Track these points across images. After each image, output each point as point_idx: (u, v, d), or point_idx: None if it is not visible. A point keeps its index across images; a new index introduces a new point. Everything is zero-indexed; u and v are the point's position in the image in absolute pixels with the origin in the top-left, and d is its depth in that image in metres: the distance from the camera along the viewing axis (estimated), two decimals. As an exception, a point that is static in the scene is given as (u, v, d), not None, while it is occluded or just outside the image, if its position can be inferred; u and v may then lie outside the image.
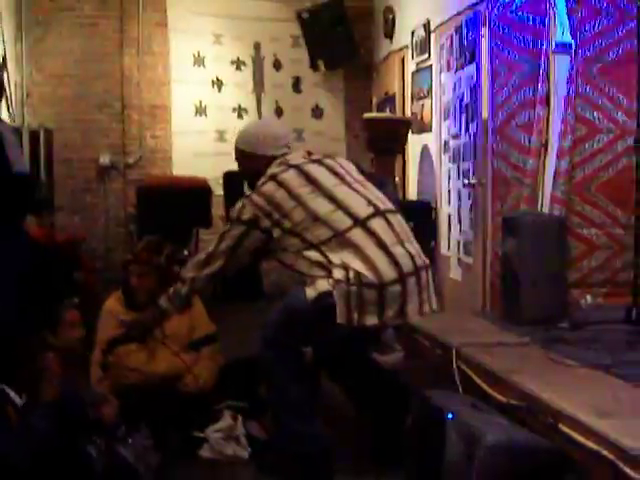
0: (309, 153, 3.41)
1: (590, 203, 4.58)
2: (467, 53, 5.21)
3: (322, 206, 3.12)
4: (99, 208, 7.77)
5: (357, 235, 3.07)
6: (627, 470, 2.23)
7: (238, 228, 3.20)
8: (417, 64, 6.47)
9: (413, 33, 6.49)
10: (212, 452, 3.55)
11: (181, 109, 7.80)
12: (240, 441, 3.58)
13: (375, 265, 3.01)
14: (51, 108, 7.63)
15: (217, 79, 7.87)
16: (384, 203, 3.26)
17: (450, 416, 2.76)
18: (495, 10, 4.66)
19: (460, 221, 5.43)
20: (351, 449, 3.47)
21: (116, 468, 3.22)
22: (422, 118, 6.34)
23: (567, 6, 4.49)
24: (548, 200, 4.54)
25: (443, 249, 5.79)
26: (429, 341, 3.86)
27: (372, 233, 3.08)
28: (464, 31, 5.27)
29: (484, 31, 4.90)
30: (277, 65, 8.02)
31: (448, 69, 5.62)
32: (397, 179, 6.83)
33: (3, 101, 6.31)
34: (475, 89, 5.05)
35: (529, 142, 4.59)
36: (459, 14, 5.42)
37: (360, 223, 3.10)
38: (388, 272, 3.02)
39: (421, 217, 5.62)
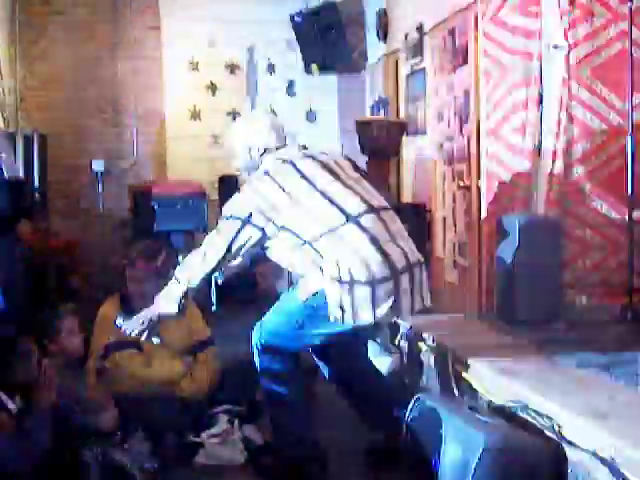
0: (304, 147, 3.41)
1: (584, 204, 4.58)
2: (460, 55, 5.23)
3: (315, 202, 3.12)
4: (93, 213, 7.76)
5: (350, 232, 3.07)
6: (624, 471, 2.23)
7: (232, 224, 3.19)
8: (411, 67, 6.48)
9: (406, 36, 6.50)
10: (209, 457, 3.54)
11: (175, 113, 7.81)
12: (236, 445, 3.57)
13: (367, 262, 3.01)
14: (45, 113, 7.62)
15: (211, 83, 7.88)
16: (378, 200, 3.26)
17: (447, 418, 2.76)
18: (487, 12, 4.67)
19: (455, 223, 5.43)
20: (347, 451, 3.47)
21: (112, 473, 3.22)
22: (416, 120, 6.34)
23: (559, 8, 4.50)
24: (542, 201, 4.55)
25: (438, 251, 5.80)
26: (425, 343, 3.85)
27: (365, 230, 3.08)
28: (457, 33, 5.28)
29: (477, 33, 4.91)
30: (271, 69, 8.03)
31: (442, 71, 5.63)
32: (391, 182, 6.84)
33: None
34: (468, 91, 5.07)
35: (523, 143, 4.60)
36: (452, 17, 5.43)
37: (353, 220, 3.09)
38: (380, 269, 3.02)
39: (416, 219, 5.63)
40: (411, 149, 6.49)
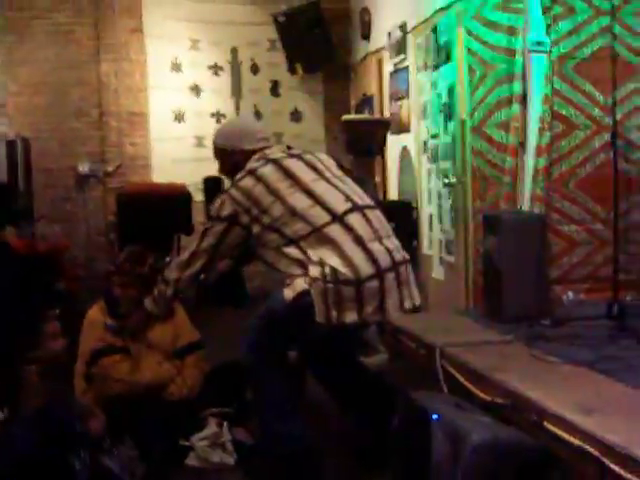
0: (288, 147, 3.41)
1: (569, 199, 4.59)
2: (443, 53, 5.24)
3: (300, 201, 3.11)
4: (79, 217, 7.73)
5: (335, 231, 3.06)
6: (612, 466, 2.24)
7: (219, 225, 3.19)
8: (394, 65, 6.49)
9: (390, 34, 6.50)
10: (198, 460, 3.53)
11: (159, 115, 7.78)
12: (226, 448, 3.57)
13: (352, 261, 3.00)
14: (28, 117, 7.59)
15: (195, 85, 7.85)
16: (362, 199, 3.25)
17: (435, 416, 2.76)
18: (470, 10, 4.68)
19: (441, 220, 5.45)
20: (336, 450, 3.47)
21: (101, 479, 3.21)
22: (401, 119, 6.35)
23: (541, 4, 4.51)
24: (528, 198, 4.56)
25: (425, 248, 5.81)
26: (413, 341, 3.86)
27: (350, 229, 3.08)
28: (440, 31, 5.29)
29: (459, 31, 4.92)
30: (255, 69, 8.01)
31: (425, 69, 5.64)
32: (377, 180, 6.85)
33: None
34: (452, 88, 5.08)
35: (507, 140, 4.61)
36: (435, 15, 5.44)
37: (338, 218, 3.09)
38: (365, 268, 3.01)
39: (402, 217, 5.64)
40: (396, 147, 6.49)
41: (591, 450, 2.33)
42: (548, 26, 4.51)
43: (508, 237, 3.99)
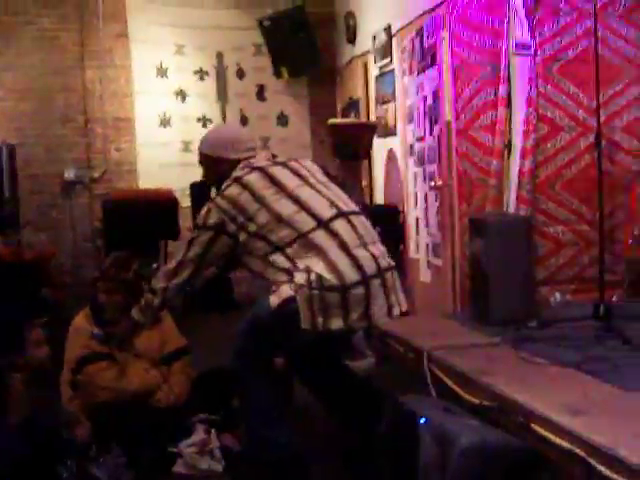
0: (273, 156, 3.41)
1: (555, 201, 4.61)
2: (428, 56, 5.24)
3: (286, 207, 3.11)
4: (65, 223, 7.68)
5: (320, 237, 3.06)
6: (600, 467, 2.24)
7: (206, 234, 3.18)
8: (380, 68, 6.49)
9: (375, 38, 6.51)
10: (186, 467, 3.52)
11: (145, 121, 7.74)
12: (214, 454, 3.56)
13: (337, 267, 2.99)
14: (13, 123, 7.54)
15: (180, 90, 7.83)
16: (347, 205, 3.25)
17: (423, 420, 2.76)
18: (454, 12, 4.69)
19: (428, 224, 5.45)
20: (324, 455, 3.46)
21: (89, 488, 3.20)
22: (386, 122, 6.36)
23: (525, 7, 4.53)
24: (514, 200, 4.57)
25: (412, 252, 5.81)
26: (400, 345, 3.85)
27: (335, 235, 3.07)
28: (425, 34, 5.29)
29: (444, 34, 4.92)
30: (240, 74, 8.00)
31: (410, 72, 5.64)
32: (364, 184, 6.85)
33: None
34: (437, 91, 5.08)
35: (493, 143, 4.61)
36: (419, 17, 5.45)
37: (323, 224, 3.08)
38: (350, 274, 3.00)
39: (389, 221, 5.64)
40: (382, 150, 6.50)
41: (578, 451, 2.33)
42: (532, 28, 4.53)
43: (494, 240, 3.99)
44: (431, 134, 5.25)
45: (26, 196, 7.33)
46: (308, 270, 2.99)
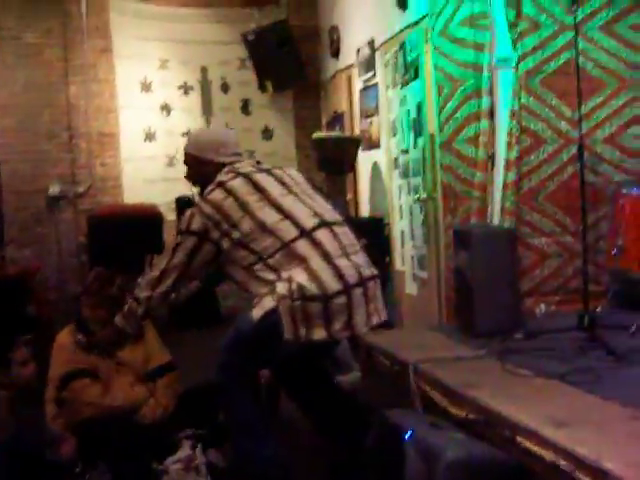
0: (258, 162, 3.41)
1: (539, 212, 4.63)
2: (412, 69, 5.27)
3: (269, 215, 3.11)
4: (50, 239, 7.63)
5: (302, 246, 3.06)
6: (583, 479, 2.24)
7: (189, 240, 3.17)
8: (364, 82, 6.52)
9: (358, 51, 6.54)
10: (172, 483, 3.50)
11: (130, 135, 7.72)
12: (200, 470, 3.53)
13: (319, 277, 2.99)
14: (-3, 139, 7.52)
15: (165, 104, 7.82)
16: (331, 215, 3.25)
17: (408, 434, 2.75)
18: (437, 26, 4.71)
19: (413, 236, 5.46)
20: (311, 469, 3.45)
21: (74, 506, 3.17)
22: (371, 135, 6.37)
23: (507, 21, 4.56)
24: (498, 211, 4.58)
25: (398, 264, 5.82)
26: (386, 358, 3.85)
27: (317, 244, 3.07)
28: (408, 48, 5.32)
29: (427, 47, 4.95)
30: (225, 88, 8.00)
31: (394, 86, 5.67)
32: (349, 197, 6.86)
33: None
34: (421, 105, 5.10)
35: (476, 155, 4.63)
36: (402, 31, 5.48)
37: (306, 234, 3.08)
38: (332, 284, 3.00)
39: (374, 233, 5.64)
40: (367, 163, 6.51)
41: (562, 464, 2.33)
42: (514, 42, 4.56)
43: (479, 251, 4.00)
44: (415, 147, 5.27)
45: (11, 212, 7.30)
46: (290, 280, 2.98)
